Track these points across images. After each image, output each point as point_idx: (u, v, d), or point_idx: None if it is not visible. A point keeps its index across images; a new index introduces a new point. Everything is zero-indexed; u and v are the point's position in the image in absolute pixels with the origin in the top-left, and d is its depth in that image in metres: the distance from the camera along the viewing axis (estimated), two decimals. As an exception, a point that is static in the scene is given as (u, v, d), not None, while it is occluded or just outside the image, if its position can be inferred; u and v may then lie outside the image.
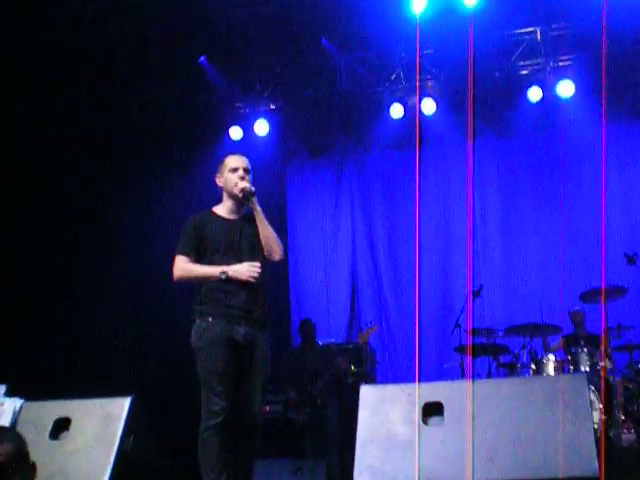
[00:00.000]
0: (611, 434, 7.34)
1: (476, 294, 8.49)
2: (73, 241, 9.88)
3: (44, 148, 9.52)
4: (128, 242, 10.07)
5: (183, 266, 4.94)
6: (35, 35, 8.86)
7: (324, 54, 10.08)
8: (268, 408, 8.35)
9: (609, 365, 7.83)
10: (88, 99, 9.66)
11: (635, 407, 7.65)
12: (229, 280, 4.83)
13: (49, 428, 5.15)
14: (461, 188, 10.33)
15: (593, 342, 8.15)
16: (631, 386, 7.80)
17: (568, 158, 9.75)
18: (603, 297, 7.85)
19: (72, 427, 5.14)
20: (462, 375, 8.45)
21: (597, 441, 4.29)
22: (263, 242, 5.00)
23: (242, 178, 5.02)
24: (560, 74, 9.76)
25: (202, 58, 10.07)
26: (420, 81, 10.04)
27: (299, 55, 10.25)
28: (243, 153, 5.27)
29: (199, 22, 9.48)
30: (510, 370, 8.24)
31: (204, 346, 4.79)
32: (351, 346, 9.22)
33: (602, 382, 7.61)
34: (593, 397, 7.28)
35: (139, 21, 9.21)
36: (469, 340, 8.25)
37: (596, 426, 7.13)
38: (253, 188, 5.01)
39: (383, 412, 4.61)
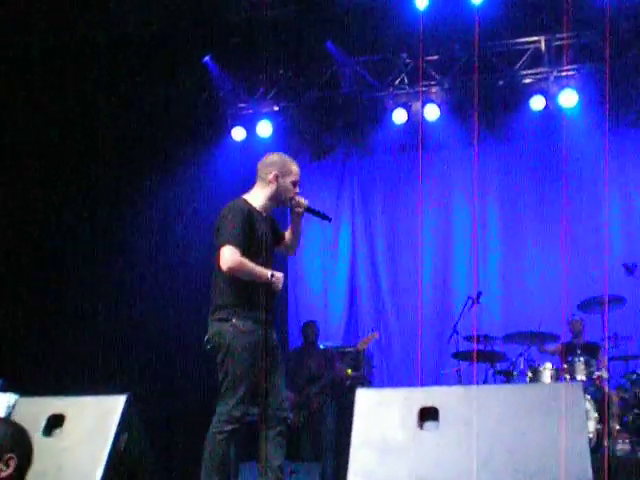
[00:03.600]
0: (606, 444, 7.34)
1: (475, 301, 8.51)
2: (76, 239, 9.87)
3: (46, 146, 9.54)
4: (128, 243, 10.04)
5: (237, 259, 4.66)
6: (38, 34, 8.88)
7: (328, 57, 10.08)
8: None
9: (605, 375, 7.83)
10: (92, 99, 9.67)
11: (630, 417, 7.66)
12: (269, 284, 4.71)
13: (43, 424, 5.12)
14: (462, 194, 10.36)
15: (590, 351, 8.16)
16: (627, 396, 7.81)
17: (570, 167, 9.73)
18: (606, 306, 7.86)
19: (66, 424, 5.11)
20: (459, 381, 8.46)
21: (591, 450, 4.29)
22: (294, 239, 5.14)
23: (297, 193, 5.05)
24: (563, 84, 9.76)
25: (207, 58, 10.08)
26: (423, 87, 10.04)
27: (303, 57, 10.25)
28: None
29: (204, 22, 9.49)
30: (507, 377, 8.26)
31: (242, 349, 4.70)
32: (349, 350, 9.21)
33: (601, 392, 7.61)
34: (588, 406, 7.28)
35: (144, 20, 9.23)
36: (474, 347, 8.26)
37: (591, 435, 7.14)
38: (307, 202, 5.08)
39: (379, 416, 4.59)
